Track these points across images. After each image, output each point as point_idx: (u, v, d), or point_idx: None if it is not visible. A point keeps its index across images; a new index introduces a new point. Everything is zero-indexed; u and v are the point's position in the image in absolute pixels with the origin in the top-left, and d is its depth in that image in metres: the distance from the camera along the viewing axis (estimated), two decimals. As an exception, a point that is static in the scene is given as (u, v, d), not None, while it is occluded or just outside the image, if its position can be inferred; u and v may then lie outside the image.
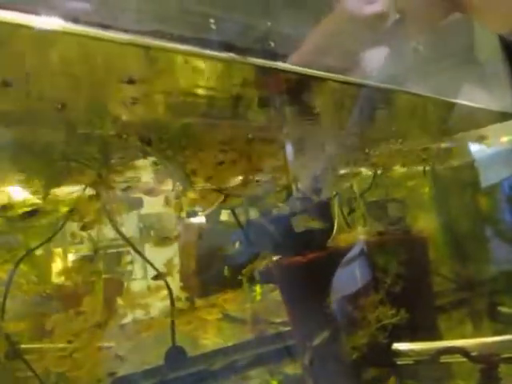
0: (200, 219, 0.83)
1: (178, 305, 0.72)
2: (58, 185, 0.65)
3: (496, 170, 1.07)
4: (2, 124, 0.55)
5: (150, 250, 0.76)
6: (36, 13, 0.37)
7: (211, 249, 0.85)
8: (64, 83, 0.51)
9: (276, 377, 0.83)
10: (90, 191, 0.68)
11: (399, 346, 0.77)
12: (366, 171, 0.98)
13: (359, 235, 0.89)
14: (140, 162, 0.69)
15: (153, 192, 0.76)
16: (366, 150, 0.94)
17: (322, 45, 0.59)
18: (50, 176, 0.63)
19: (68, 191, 0.68)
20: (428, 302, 0.92)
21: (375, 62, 0.61)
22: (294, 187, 0.83)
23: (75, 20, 0.38)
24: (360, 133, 0.82)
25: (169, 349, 0.71)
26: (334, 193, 0.92)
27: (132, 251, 0.73)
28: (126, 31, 0.41)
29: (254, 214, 0.90)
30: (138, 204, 0.81)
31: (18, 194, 0.68)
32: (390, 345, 0.78)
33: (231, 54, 0.50)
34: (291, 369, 0.80)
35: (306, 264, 0.79)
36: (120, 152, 0.67)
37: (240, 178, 0.78)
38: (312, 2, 0.66)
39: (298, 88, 0.61)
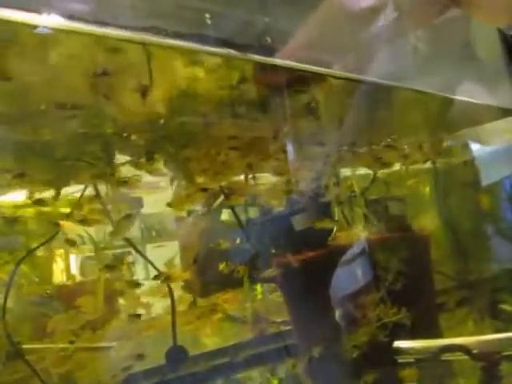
0: (201, 218, 0.83)
1: (179, 304, 0.72)
2: (66, 184, 0.65)
3: (497, 168, 1.06)
4: (2, 124, 0.55)
5: (151, 250, 0.76)
6: (31, 10, 0.37)
7: (212, 248, 0.85)
8: (64, 83, 0.51)
9: (276, 376, 0.83)
10: (90, 191, 0.68)
11: (400, 343, 0.77)
12: (366, 169, 0.98)
13: (360, 233, 0.89)
14: (140, 162, 0.69)
15: (153, 192, 0.77)
16: (367, 148, 0.94)
17: (311, 39, 0.58)
18: (58, 176, 0.63)
19: (68, 191, 0.68)
20: (429, 300, 0.92)
21: (368, 57, 0.61)
22: (294, 186, 0.83)
23: (71, 17, 0.38)
24: (360, 130, 0.82)
25: (170, 348, 0.71)
26: (335, 191, 0.92)
27: (133, 251, 0.73)
28: (122, 28, 0.41)
29: (253, 213, 0.89)
30: (138, 204, 0.81)
31: (19, 194, 0.68)
32: (390, 343, 0.78)
33: (228, 50, 0.50)
34: (292, 368, 0.80)
35: (307, 262, 0.79)
36: (121, 151, 0.68)
37: (241, 176, 0.79)
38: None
39: (296, 84, 0.61)
